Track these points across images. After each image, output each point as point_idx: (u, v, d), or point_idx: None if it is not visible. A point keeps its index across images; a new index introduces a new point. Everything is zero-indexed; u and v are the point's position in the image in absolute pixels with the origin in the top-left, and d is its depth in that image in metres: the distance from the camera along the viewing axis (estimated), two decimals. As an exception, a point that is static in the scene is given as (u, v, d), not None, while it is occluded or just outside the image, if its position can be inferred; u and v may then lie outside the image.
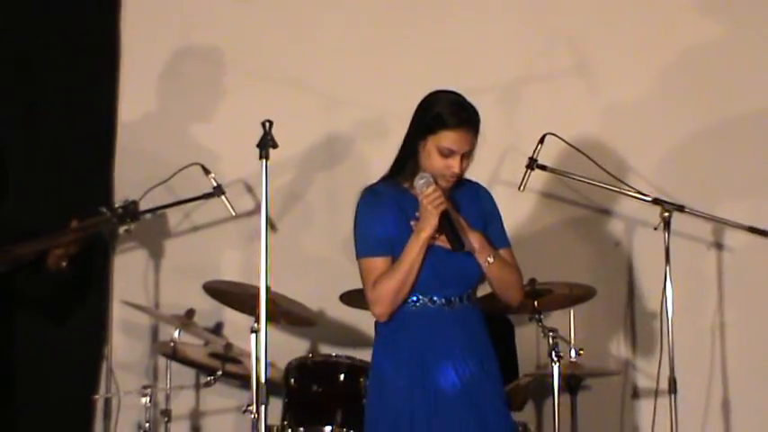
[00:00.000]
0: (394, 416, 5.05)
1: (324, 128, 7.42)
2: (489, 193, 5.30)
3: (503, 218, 5.24)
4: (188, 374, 7.07)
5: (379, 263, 5.00)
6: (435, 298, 5.07)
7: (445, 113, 5.05)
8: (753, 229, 6.85)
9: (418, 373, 5.04)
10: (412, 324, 5.07)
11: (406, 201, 5.11)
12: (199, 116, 7.62)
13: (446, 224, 4.98)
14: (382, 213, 5.09)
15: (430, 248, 5.02)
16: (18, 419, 7.15)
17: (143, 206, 6.92)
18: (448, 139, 4.98)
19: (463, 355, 5.07)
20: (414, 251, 4.98)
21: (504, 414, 5.16)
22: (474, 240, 5.04)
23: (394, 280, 5.03)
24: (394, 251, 5.04)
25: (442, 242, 5.00)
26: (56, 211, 7.23)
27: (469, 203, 5.20)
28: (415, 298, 5.06)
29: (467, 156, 5.04)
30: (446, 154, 4.99)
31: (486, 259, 5.03)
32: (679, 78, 7.48)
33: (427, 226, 4.93)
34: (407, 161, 5.12)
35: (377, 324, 5.15)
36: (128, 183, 7.38)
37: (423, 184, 4.95)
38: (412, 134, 5.13)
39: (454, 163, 4.97)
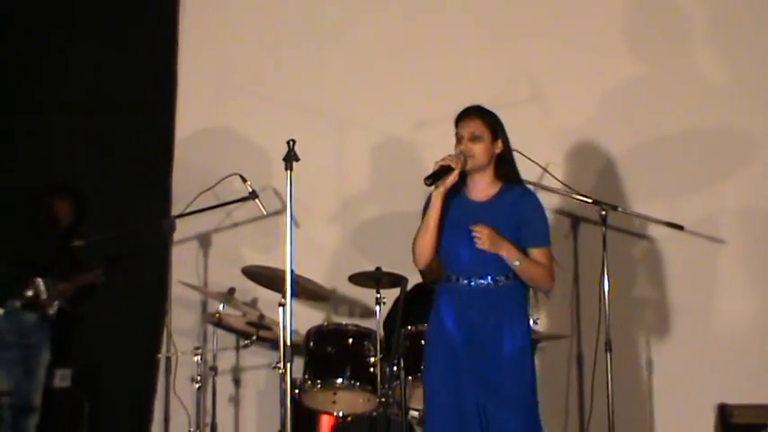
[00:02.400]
0: None
1: (336, 143, 7.47)
2: (532, 200, 5.19)
3: (547, 223, 5.18)
4: (230, 339, 7.08)
5: None
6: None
7: (456, 118, 5.13)
8: (669, 224, 6.90)
9: None
10: None
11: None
12: (237, 136, 7.62)
13: (438, 174, 4.94)
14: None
15: None
16: (100, 375, 7.16)
17: (193, 207, 7.07)
18: (457, 128, 5.08)
19: None
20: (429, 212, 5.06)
21: None
22: (504, 252, 4.94)
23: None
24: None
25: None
26: (125, 214, 7.31)
27: (506, 208, 5.10)
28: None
29: (474, 140, 5.05)
30: (459, 140, 5.04)
31: (514, 263, 4.96)
32: (614, 106, 7.49)
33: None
34: None
35: None
36: (182, 189, 7.46)
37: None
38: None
39: (462, 145, 5.01)
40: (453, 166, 4.95)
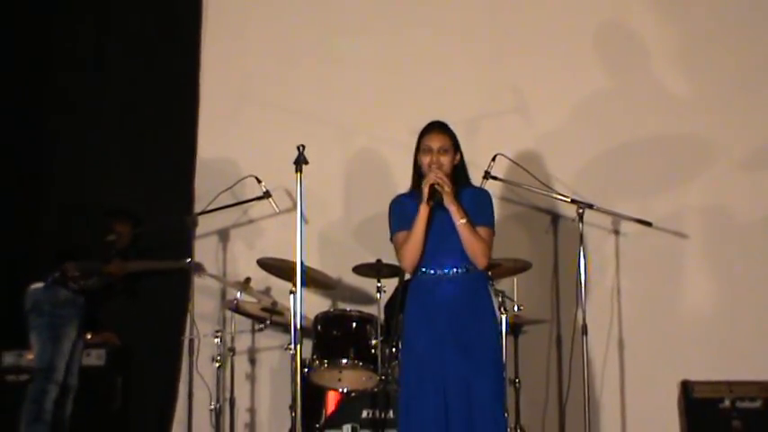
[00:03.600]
0: None
1: (341, 148, 7.46)
2: (485, 193, 5.33)
3: (492, 209, 5.25)
4: (246, 323, 7.09)
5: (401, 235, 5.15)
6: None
7: (422, 130, 5.21)
8: (638, 220, 6.91)
9: None
10: None
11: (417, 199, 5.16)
12: (253, 142, 7.59)
13: (432, 193, 5.00)
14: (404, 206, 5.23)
15: None
16: (132, 354, 7.21)
17: (213, 206, 7.02)
18: (423, 140, 5.17)
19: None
20: (418, 218, 5.08)
21: None
22: (453, 207, 5.04)
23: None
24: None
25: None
26: (154, 212, 7.27)
27: (466, 200, 5.17)
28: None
29: (443, 153, 5.14)
30: (426, 150, 5.13)
31: (460, 220, 5.05)
32: (588, 116, 7.50)
33: (423, 197, 5.00)
34: (415, 176, 5.24)
35: None
36: (204, 190, 7.44)
37: (424, 180, 5.04)
38: (414, 158, 5.24)
39: (433, 158, 5.09)
40: (441, 183, 5.05)
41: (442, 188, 5.04)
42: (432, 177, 5.06)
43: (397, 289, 6.26)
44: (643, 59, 7.64)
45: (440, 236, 5.15)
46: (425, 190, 5.06)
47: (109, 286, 7.03)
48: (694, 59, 7.55)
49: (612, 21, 7.64)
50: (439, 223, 5.16)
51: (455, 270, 5.18)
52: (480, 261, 5.14)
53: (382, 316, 6.42)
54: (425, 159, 5.15)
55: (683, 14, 7.61)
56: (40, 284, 6.75)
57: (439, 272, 5.18)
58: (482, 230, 5.16)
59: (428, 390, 5.10)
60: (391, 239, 5.27)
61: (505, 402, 5.46)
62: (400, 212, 5.23)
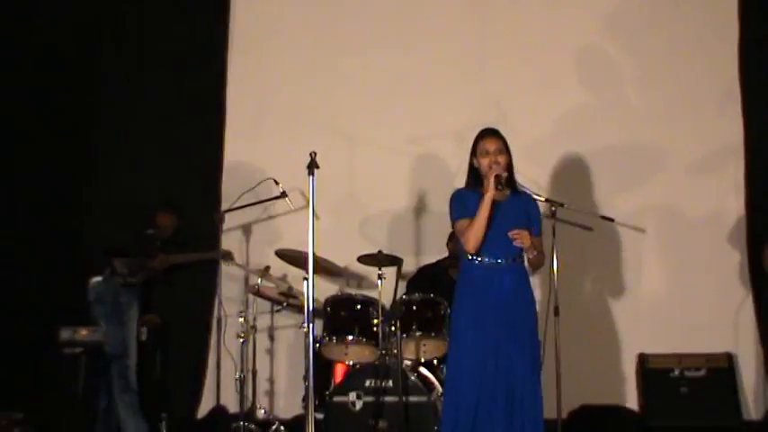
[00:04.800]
0: None
1: (347, 155, 7.48)
2: (536, 205, 5.37)
3: (540, 214, 5.35)
4: (266, 305, 7.10)
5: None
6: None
7: (477, 136, 5.24)
8: (603, 217, 7.04)
9: None
10: None
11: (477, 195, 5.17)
12: (271, 149, 7.60)
13: (497, 182, 5.04)
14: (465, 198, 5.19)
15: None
16: (169, 331, 7.18)
17: (238, 204, 7.07)
18: (481, 143, 5.21)
19: None
20: (483, 205, 5.08)
21: None
22: (526, 241, 5.05)
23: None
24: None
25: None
26: (186, 211, 7.24)
27: (521, 207, 5.24)
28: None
29: (498, 152, 5.15)
30: (485, 153, 5.16)
31: (533, 253, 5.09)
32: (562, 127, 7.54)
33: (487, 189, 5.01)
34: (470, 176, 5.24)
35: None
36: (229, 190, 7.50)
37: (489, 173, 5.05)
38: (470, 161, 5.28)
39: (491, 158, 5.12)
40: (502, 173, 5.09)
41: (501, 179, 5.05)
42: (496, 169, 5.07)
43: (397, 278, 6.37)
44: (609, 80, 7.66)
45: (496, 230, 5.12)
46: (492, 179, 5.05)
47: (153, 278, 7.03)
48: (652, 80, 7.60)
49: (583, 45, 7.67)
50: (495, 218, 5.15)
51: (507, 260, 5.16)
52: (541, 266, 5.27)
53: (385, 300, 6.39)
54: (484, 161, 5.15)
55: (643, 43, 7.62)
56: (99, 278, 6.77)
57: (493, 261, 5.15)
58: (539, 242, 5.26)
59: (474, 365, 5.07)
60: (453, 226, 5.25)
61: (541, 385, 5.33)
62: (462, 203, 5.20)
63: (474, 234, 5.14)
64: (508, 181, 5.18)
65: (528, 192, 5.43)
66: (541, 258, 5.25)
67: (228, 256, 7.37)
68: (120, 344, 6.67)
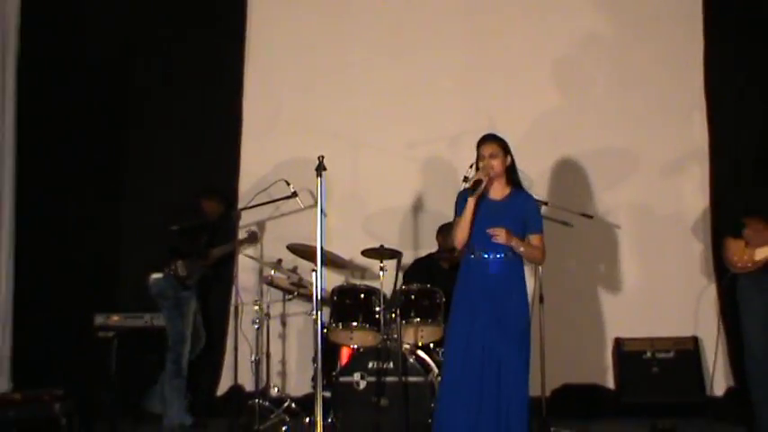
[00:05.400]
0: None
1: (352, 158, 7.52)
2: (533, 203, 5.38)
3: (541, 215, 5.40)
4: (278, 294, 7.12)
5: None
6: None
7: (477, 142, 5.28)
8: (583, 214, 7.01)
9: None
10: None
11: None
12: (283, 153, 7.61)
13: (478, 186, 5.13)
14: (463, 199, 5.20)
15: None
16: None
17: (254, 203, 7.02)
18: (479, 149, 5.27)
19: None
20: (466, 210, 5.18)
21: None
22: (513, 243, 5.12)
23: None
24: None
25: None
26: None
27: (517, 206, 5.27)
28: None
29: (493, 157, 5.22)
30: (481, 158, 5.24)
31: (520, 249, 5.16)
32: (547, 132, 7.56)
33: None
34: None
35: None
36: (245, 191, 7.54)
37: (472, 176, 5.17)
38: (477, 164, 5.31)
39: (487, 162, 5.21)
40: (484, 179, 5.16)
41: (480, 185, 5.13)
42: (477, 175, 5.17)
43: (398, 269, 6.37)
44: (587, 90, 7.67)
45: (489, 226, 5.16)
46: (471, 184, 5.16)
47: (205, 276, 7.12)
48: (626, 91, 7.62)
49: (565, 60, 7.66)
50: (488, 216, 5.21)
51: (496, 254, 5.19)
52: (539, 263, 5.42)
53: (386, 288, 6.39)
54: (482, 162, 5.24)
55: (618, 57, 7.65)
56: (159, 275, 6.81)
57: (485, 255, 5.20)
58: (535, 238, 5.27)
59: (466, 354, 5.12)
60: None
61: (529, 366, 5.30)
62: (460, 203, 5.27)
63: (458, 232, 5.29)
64: (510, 180, 5.26)
65: (528, 193, 5.40)
66: (535, 253, 5.27)
67: (254, 237, 7.39)
68: (179, 334, 6.79)
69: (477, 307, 5.16)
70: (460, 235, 5.28)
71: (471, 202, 5.19)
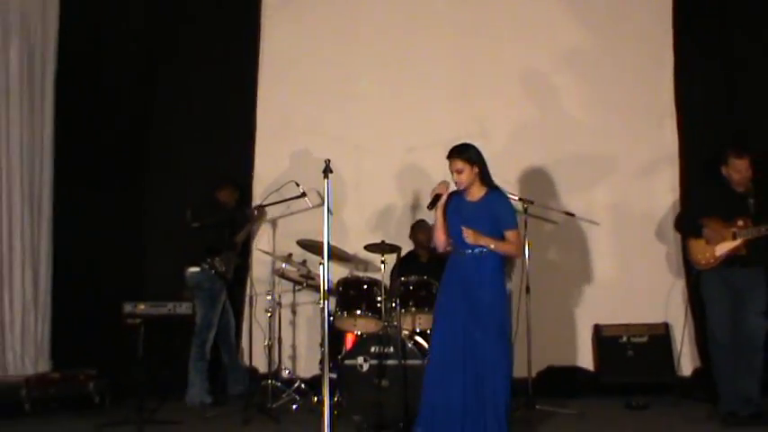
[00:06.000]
0: None
1: (356, 162, 7.56)
2: (503, 200, 5.25)
3: (513, 211, 5.25)
4: (289, 285, 7.17)
5: None
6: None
7: (447, 156, 5.22)
8: (565, 212, 7.20)
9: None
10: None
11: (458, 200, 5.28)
12: (293, 157, 7.68)
13: (437, 200, 5.18)
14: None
15: None
16: None
17: (266, 202, 7.16)
18: (449, 165, 5.22)
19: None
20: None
21: None
22: (483, 242, 5.09)
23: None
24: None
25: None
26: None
27: (489, 206, 5.22)
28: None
29: (458, 172, 5.19)
30: (451, 172, 5.22)
31: (491, 247, 5.12)
32: (533, 138, 7.61)
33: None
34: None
35: None
36: (259, 191, 7.61)
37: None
38: None
39: (455, 177, 5.22)
40: (442, 193, 5.21)
41: (439, 198, 5.18)
42: (434, 191, 5.22)
43: (396, 261, 6.54)
44: (570, 101, 7.70)
45: (465, 225, 5.16)
46: (431, 199, 5.21)
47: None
48: (604, 102, 7.67)
49: (549, 74, 7.71)
50: (464, 217, 5.20)
51: (471, 251, 5.17)
52: (516, 257, 5.21)
53: (387, 280, 6.44)
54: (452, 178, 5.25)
55: (598, 73, 7.69)
56: (196, 269, 6.90)
57: (462, 251, 5.20)
58: (511, 234, 5.19)
59: (448, 338, 5.14)
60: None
61: (510, 356, 5.35)
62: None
63: (437, 237, 5.37)
64: (484, 182, 5.22)
65: (500, 192, 5.31)
66: (507, 247, 5.19)
67: (261, 211, 7.36)
68: (208, 322, 6.91)
69: (457, 296, 5.19)
70: (435, 240, 5.39)
71: (435, 213, 5.28)
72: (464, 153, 5.25)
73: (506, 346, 5.23)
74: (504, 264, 5.28)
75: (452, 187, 5.36)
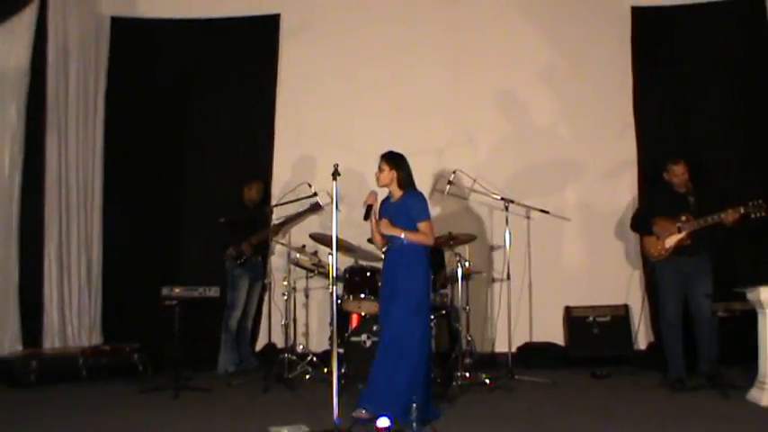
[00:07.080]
0: None
1: (360, 166, 7.28)
2: (413, 197, 5.23)
3: (423, 206, 5.18)
4: (302, 273, 7.14)
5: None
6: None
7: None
8: (541, 210, 7.21)
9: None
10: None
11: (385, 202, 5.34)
12: (306, 161, 7.75)
13: (368, 211, 5.23)
14: None
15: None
16: None
17: (283, 200, 7.06)
18: None
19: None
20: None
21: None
22: (392, 232, 5.16)
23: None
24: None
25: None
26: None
27: (403, 204, 5.26)
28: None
29: (380, 170, 5.26)
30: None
31: (401, 236, 5.17)
32: (514, 145, 7.75)
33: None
34: None
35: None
36: (277, 191, 7.67)
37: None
38: None
39: (377, 173, 5.28)
40: (372, 203, 5.27)
41: (371, 208, 5.20)
42: (364, 202, 5.27)
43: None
44: (544, 113, 7.77)
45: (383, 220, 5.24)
46: (365, 210, 5.25)
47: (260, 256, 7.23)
48: (573, 115, 7.76)
49: (527, 89, 7.77)
50: (390, 216, 5.27)
51: (391, 243, 5.27)
52: (428, 244, 5.12)
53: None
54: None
55: (568, 89, 7.78)
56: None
57: (390, 245, 5.30)
58: (422, 225, 5.18)
59: (383, 320, 5.23)
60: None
61: (428, 330, 5.25)
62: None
63: (375, 239, 5.47)
64: (402, 185, 5.23)
65: (414, 192, 5.27)
66: (418, 237, 5.15)
67: (317, 206, 7.18)
68: (231, 302, 7.09)
69: (387, 282, 5.28)
70: (374, 240, 5.47)
71: (371, 221, 5.34)
72: (391, 158, 5.32)
73: (424, 319, 5.21)
74: (426, 253, 5.24)
75: (381, 197, 5.42)
